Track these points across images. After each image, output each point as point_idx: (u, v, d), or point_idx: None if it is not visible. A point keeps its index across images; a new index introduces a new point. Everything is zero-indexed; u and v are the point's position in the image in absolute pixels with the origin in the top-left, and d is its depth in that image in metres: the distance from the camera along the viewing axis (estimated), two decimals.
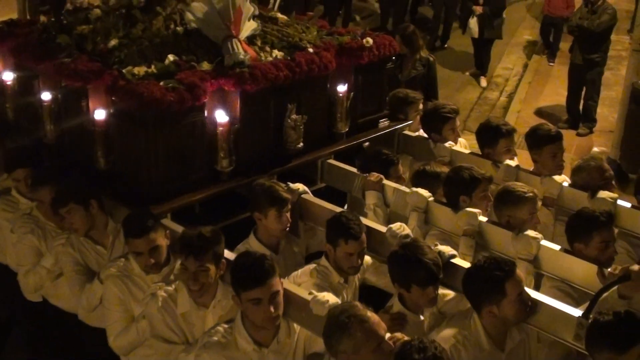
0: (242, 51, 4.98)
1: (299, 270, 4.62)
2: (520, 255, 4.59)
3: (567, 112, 11.49)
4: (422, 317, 4.30)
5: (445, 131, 5.85)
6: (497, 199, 4.84)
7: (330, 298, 3.93)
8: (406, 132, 6.05)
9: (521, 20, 16.05)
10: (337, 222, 4.48)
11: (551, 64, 13.18)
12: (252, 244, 4.79)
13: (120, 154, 4.86)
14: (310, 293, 4.02)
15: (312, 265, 4.60)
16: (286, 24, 5.71)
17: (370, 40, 5.58)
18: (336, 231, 4.47)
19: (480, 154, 5.77)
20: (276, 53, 5.23)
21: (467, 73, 13.09)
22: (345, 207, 5.57)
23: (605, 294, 3.91)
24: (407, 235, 4.57)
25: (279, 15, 5.85)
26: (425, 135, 6.01)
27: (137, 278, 4.51)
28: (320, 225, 5.00)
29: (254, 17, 5.32)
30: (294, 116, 5.21)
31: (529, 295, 3.98)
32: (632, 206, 5.07)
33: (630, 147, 9.23)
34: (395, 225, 4.63)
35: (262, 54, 5.19)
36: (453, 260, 4.38)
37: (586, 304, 4.10)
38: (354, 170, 5.44)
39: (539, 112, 11.95)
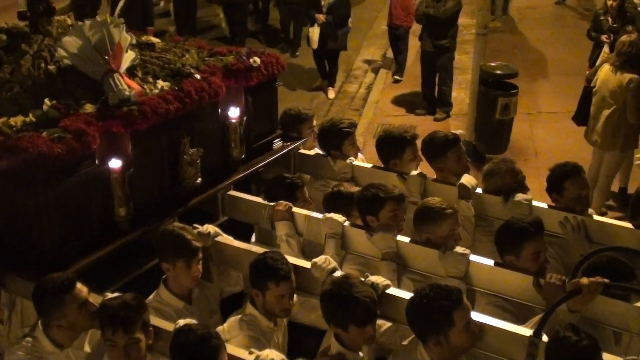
0: (126, 87, 4.52)
1: (225, 325, 4.25)
2: (450, 274, 4.44)
3: (423, 98, 11.67)
4: (361, 354, 4.06)
5: (345, 147, 5.60)
6: (416, 216, 4.64)
7: (274, 356, 3.60)
8: (302, 150, 5.76)
9: (380, 10, 16.06)
10: (263, 264, 4.16)
11: (397, 78, 12.80)
12: (163, 295, 4.39)
13: (5, 219, 4.29)
14: (250, 352, 3.68)
15: (237, 317, 4.26)
16: (164, 49, 5.26)
17: (258, 60, 5.24)
18: (263, 274, 4.16)
19: (382, 166, 5.56)
20: (161, 84, 4.78)
21: (314, 85, 12.65)
22: (253, 239, 5.23)
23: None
24: (334, 269, 4.31)
25: (153, 39, 5.38)
26: (322, 152, 5.73)
27: (51, 356, 3.97)
28: (235, 267, 4.69)
29: (131, 45, 4.85)
30: (190, 150, 4.79)
31: (475, 323, 3.80)
32: (549, 206, 5.02)
33: (482, 129, 9.48)
34: (320, 259, 4.35)
35: (146, 87, 4.73)
36: (388, 291, 4.14)
37: (533, 320, 4.00)
38: (258, 200, 5.10)
39: (397, 101, 12.06)
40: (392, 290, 4.17)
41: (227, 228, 4.93)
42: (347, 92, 12.74)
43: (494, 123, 9.28)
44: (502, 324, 3.94)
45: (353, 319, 3.89)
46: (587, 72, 9.17)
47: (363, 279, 4.17)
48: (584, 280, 3.77)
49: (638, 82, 7.66)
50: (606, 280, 3.76)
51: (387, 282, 4.19)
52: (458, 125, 10.79)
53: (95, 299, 4.05)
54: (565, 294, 4.12)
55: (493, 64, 9.69)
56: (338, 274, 4.28)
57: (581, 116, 8.69)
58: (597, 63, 8.75)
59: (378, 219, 4.68)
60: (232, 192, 5.18)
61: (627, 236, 4.74)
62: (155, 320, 3.92)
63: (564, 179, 4.97)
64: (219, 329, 4.21)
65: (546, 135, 10.56)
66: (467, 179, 5.13)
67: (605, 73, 7.96)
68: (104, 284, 4.35)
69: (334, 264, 4.34)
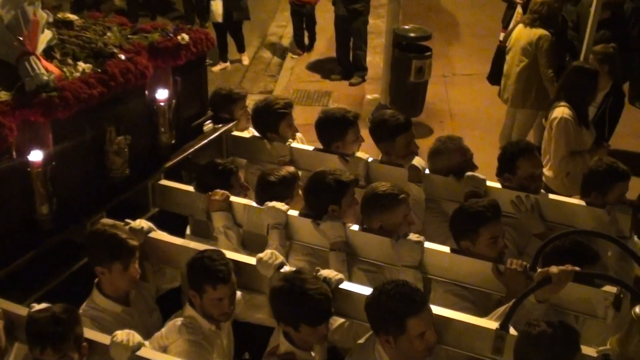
0: (43, 71, 4.06)
1: (163, 330, 3.91)
2: (404, 263, 4.18)
3: (338, 63, 11.53)
4: (313, 354, 3.80)
5: (282, 128, 5.24)
6: (366, 204, 4.34)
7: None
8: (235, 133, 5.39)
9: None
10: (201, 265, 3.82)
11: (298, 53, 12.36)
12: (98, 301, 4.00)
13: None
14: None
15: (176, 320, 3.91)
16: (83, 27, 4.79)
17: (187, 37, 4.83)
18: (200, 276, 3.83)
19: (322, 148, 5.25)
20: (82, 66, 4.33)
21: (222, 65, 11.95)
22: (188, 232, 4.87)
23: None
24: (281, 264, 4.00)
25: (71, 16, 4.89)
26: (257, 134, 5.37)
27: None
28: (172, 264, 4.35)
29: (47, 24, 4.38)
30: (116, 139, 4.38)
31: (434, 335, 3.52)
32: (504, 186, 4.82)
33: (397, 92, 9.42)
34: (265, 255, 4.03)
35: (65, 70, 4.28)
36: (342, 286, 3.86)
37: (497, 312, 3.79)
38: (191, 189, 4.73)
39: (312, 67, 11.86)
40: (346, 285, 3.89)
41: (158, 220, 4.55)
42: (262, 58, 12.42)
43: (409, 86, 9.28)
44: (465, 317, 3.72)
45: (306, 318, 3.62)
46: (502, 34, 9.23)
47: (314, 274, 3.89)
48: (554, 269, 3.55)
49: (549, 39, 7.65)
50: (577, 269, 3.56)
51: (340, 276, 3.90)
52: (373, 89, 10.72)
53: (19, 311, 3.64)
54: (525, 280, 3.97)
55: (407, 27, 9.67)
56: (286, 269, 3.98)
57: (495, 75, 8.68)
58: (511, 25, 8.74)
59: (340, 207, 4.37)
60: (164, 182, 4.78)
61: (584, 215, 4.59)
62: (90, 334, 3.53)
63: (516, 157, 4.77)
64: (157, 334, 3.88)
65: (461, 97, 10.57)
66: (417, 161, 4.87)
67: (517, 31, 7.96)
68: (26, 289, 3.94)
69: (280, 258, 4.02)
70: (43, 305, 3.54)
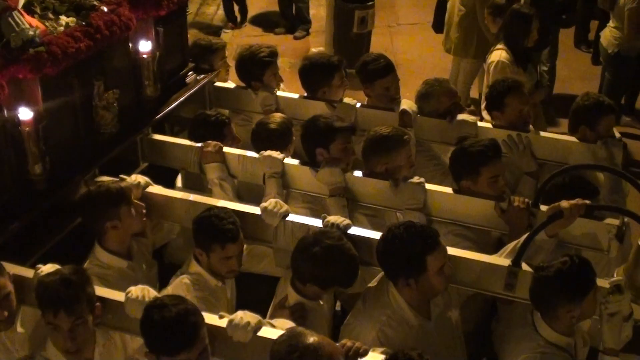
0: (28, 26, 3.90)
1: (169, 288, 3.87)
2: (407, 206, 4.19)
3: (281, 17, 11.33)
4: (321, 302, 3.79)
5: (267, 77, 5.16)
6: (370, 147, 4.32)
7: (250, 319, 3.25)
8: (218, 83, 5.29)
9: None
10: (208, 224, 3.76)
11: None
12: (102, 257, 3.94)
13: None
14: (220, 316, 3.31)
15: (183, 278, 3.86)
16: None
17: None
18: (208, 235, 3.77)
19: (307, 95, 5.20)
20: (65, 20, 4.18)
21: None
22: (178, 184, 4.80)
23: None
24: (286, 212, 3.98)
25: None
26: (242, 84, 5.29)
27: None
28: (171, 219, 4.29)
29: None
30: (105, 93, 4.27)
31: (450, 266, 3.56)
32: (494, 125, 4.84)
33: (341, 44, 9.33)
34: (270, 204, 4.00)
35: (48, 24, 4.12)
36: (350, 232, 3.85)
37: (507, 249, 3.83)
38: (183, 141, 4.64)
39: (255, 21, 11.64)
40: (354, 230, 3.87)
41: (147, 175, 4.44)
42: (204, 14, 12.12)
43: (352, 37, 9.20)
44: (476, 255, 3.76)
45: (338, 282, 3.66)
46: None
47: (321, 220, 3.87)
48: (564, 204, 3.60)
49: None
50: (587, 202, 3.61)
51: (348, 221, 3.89)
52: (318, 42, 10.60)
53: (25, 273, 3.55)
54: (528, 217, 4.02)
55: None
56: (292, 217, 3.95)
57: (439, 24, 8.54)
58: None
59: (329, 152, 4.34)
60: (154, 136, 4.69)
61: (577, 150, 4.64)
62: (101, 291, 3.46)
63: (504, 95, 4.79)
64: (163, 291, 3.82)
65: (407, 47, 10.53)
66: (408, 104, 4.86)
67: None
68: (24, 252, 3.84)
69: (285, 207, 4.00)
70: (49, 267, 3.46)
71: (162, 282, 4.15)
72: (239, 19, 11.49)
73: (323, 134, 4.37)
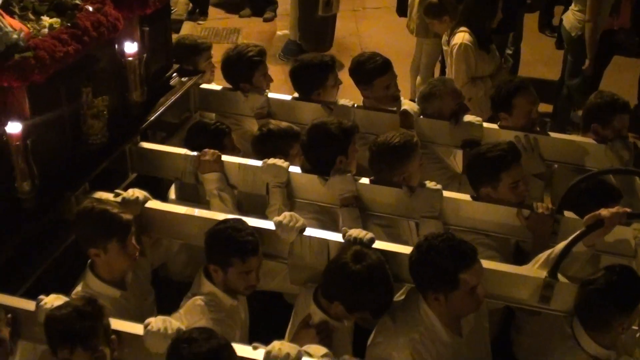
0: (10, 28, 3.54)
1: (181, 311, 3.52)
2: (424, 214, 3.95)
3: (247, 1, 11.06)
4: (346, 323, 3.54)
5: (257, 78, 4.85)
6: (382, 160, 4.07)
7: (289, 350, 2.98)
8: (204, 85, 4.97)
9: None
10: (225, 237, 3.47)
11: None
12: (93, 285, 3.57)
13: None
14: (254, 347, 3.03)
15: (196, 299, 3.54)
16: None
17: None
18: (226, 249, 3.47)
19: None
20: (48, 21, 3.82)
21: None
22: (172, 197, 4.46)
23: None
24: (303, 226, 3.70)
25: None
26: (229, 86, 4.97)
27: None
28: (174, 236, 3.96)
29: None
30: (94, 101, 3.92)
31: (483, 288, 3.34)
32: (501, 126, 4.65)
33: (306, 27, 9.16)
34: (285, 218, 3.70)
35: (29, 25, 3.76)
36: (375, 246, 3.59)
37: (539, 260, 3.62)
38: (177, 150, 4.31)
39: (220, 4, 11.28)
40: (379, 244, 3.60)
41: (134, 186, 4.10)
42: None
43: (317, 20, 8.97)
44: (509, 267, 3.56)
45: (369, 308, 3.40)
46: None
47: (341, 234, 3.61)
48: (604, 212, 3.41)
49: None
50: (628, 210, 3.44)
51: (371, 235, 3.61)
52: (284, 25, 10.31)
53: (26, 305, 3.20)
54: (553, 224, 3.84)
55: None
56: (309, 231, 3.68)
57: (403, 7, 8.47)
58: None
59: (347, 157, 4.09)
60: (143, 144, 4.34)
61: (591, 151, 4.48)
62: (116, 324, 3.13)
63: (512, 96, 4.60)
64: (175, 315, 3.50)
65: (372, 30, 10.40)
66: (409, 105, 4.63)
67: None
68: (13, 278, 3.49)
69: (301, 220, 3.71)
70: (54, 297, 3.15)
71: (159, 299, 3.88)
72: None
73: (341, 139, 4.10)
